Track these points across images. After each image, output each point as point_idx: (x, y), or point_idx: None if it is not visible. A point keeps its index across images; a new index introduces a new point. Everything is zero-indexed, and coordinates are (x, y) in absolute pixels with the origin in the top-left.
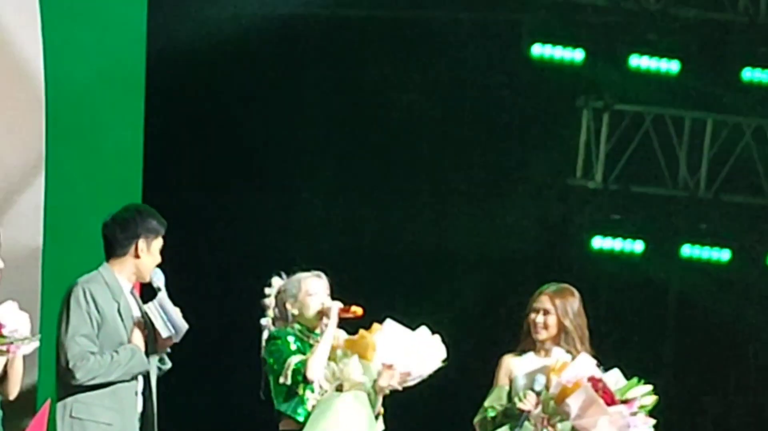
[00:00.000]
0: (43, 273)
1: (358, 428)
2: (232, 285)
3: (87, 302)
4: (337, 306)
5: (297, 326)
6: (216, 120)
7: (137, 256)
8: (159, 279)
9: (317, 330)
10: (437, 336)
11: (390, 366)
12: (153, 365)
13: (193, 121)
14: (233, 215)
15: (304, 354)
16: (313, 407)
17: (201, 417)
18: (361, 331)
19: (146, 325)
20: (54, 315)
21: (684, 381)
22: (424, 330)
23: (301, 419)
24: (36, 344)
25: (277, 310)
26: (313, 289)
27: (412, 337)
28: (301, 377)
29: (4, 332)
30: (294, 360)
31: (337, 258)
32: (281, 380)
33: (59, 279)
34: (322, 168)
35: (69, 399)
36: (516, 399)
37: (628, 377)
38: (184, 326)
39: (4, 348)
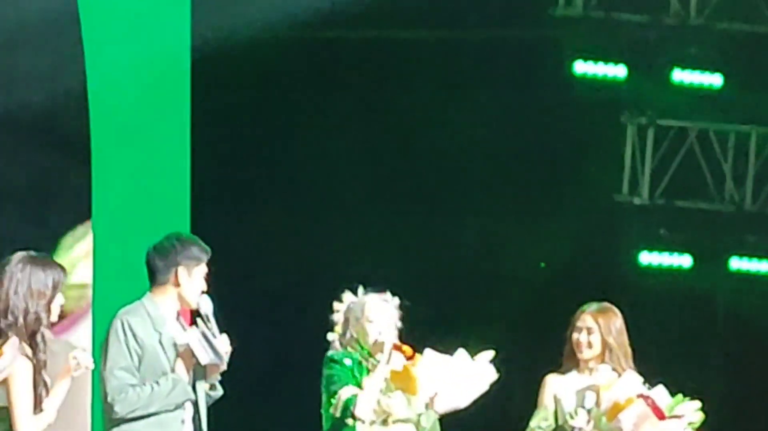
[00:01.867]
0: (94, 304)
1: None
2: (285, 308)
3: (126, 335)
4: (390, 343)
5: (359, 347)
6: (263, 138)
7: (177, 284)
8: (206, 306)
9: (379, 356)
10: (482, 356)
11: (436, 395)
12: (201, 392)
13: (241, 137)
14: (282, 236)
15: (360, 377)
16: None
17: None
18: (405, 364)
19: (192, 353)
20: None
21: (734, 395)
22: (462, 353)
23: None
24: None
25: (343, 328)
26: (373, 315)
27: (453, 364)
28: (349, 413)
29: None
30: (345, 393)
31: (385, 276)
32: (331, 410)
33: (108, 309)
34: (370, 186)
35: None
36: (567, 417)
37: (673, 394)
38: (224, 354)
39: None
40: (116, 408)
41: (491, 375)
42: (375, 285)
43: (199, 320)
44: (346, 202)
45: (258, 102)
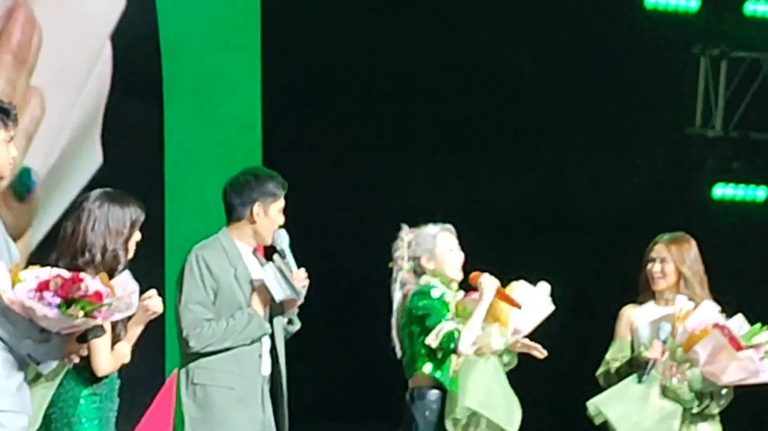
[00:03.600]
0: (165, 242)
1: (503, 394)
2: (358, 241)
3: (200, 269)
4: (493, 286)
5: (435, 280)
6: (334, 73)
7: (254, 221)
8: (283, 241)
9: (453, 285)
10: (541, 285)
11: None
12: (279, 327)
13: (312, 72)
14: (353, 174)
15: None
16: (455, 372)
17: (331, 376)
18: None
19: (267, 288)
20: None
21: None
22: (544, 286)
23: (441, 379)
24: (131, 311)
25: (409, 261)
26: (451, 244)
27: (536, 295)
28: (452, 346)
29: (105, 300)
30: (447, 326)
31: (455, 216)
32: (428, 341)
33: (181, 246)
34: (439, 128)
35: (191, 365)
36: (642, 348)
37: (751, 323)
38: (300, 289)
39: (80, 315)
40: (191, 343)
41: (547, 301)
42: (443, 221)
43: (275, 255)
44: (415, 139)
45: (328, 38)
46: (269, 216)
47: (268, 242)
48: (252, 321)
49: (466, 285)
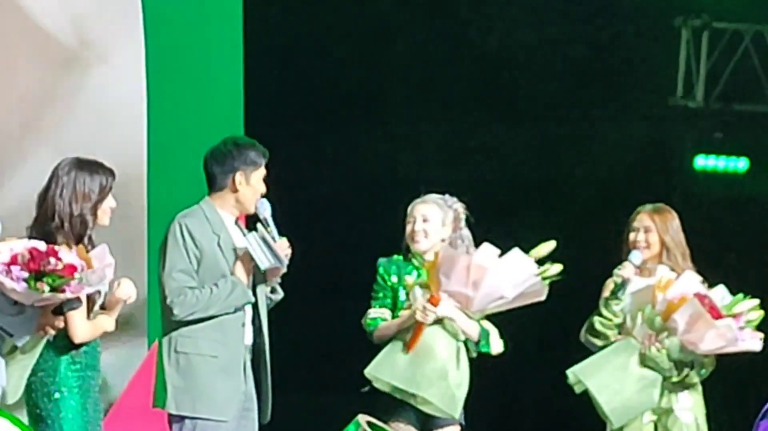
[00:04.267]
0: (148, 211)
1: (413, 362)
2: (340, 211)
3: (184, 237)
4: (421, 301)
5: (409, 252)
6: (317, 41)
7: (236, 190)
8: (265, 210)
9: (427, 256)
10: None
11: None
12: (262, 295)
13: (295, 41)
14: (335, 145)
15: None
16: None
17: (312, 346)
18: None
19: (251, 257)
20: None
21: None
22: (516, 252)
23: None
24: (103, 287)
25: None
26: (410, 215)
27: (503, 261)
28: (369, 334)
29: (77, 274)
30: (372, 313)
31: (440, 186)
32: (363, 321)
33: (163, 215)
34: (423, 98)
35: (173, 334)
36: (615, 270)
37: (733, 293)
38: (284, 257)
39: (47, 290)
40: (175, 311)
41: (532, 272)
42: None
43: (258, 224)
44: (399, 109)
45: (311, 8)
46: (251, 184)
47: (251, 211)
48: (236, 289)
49: None
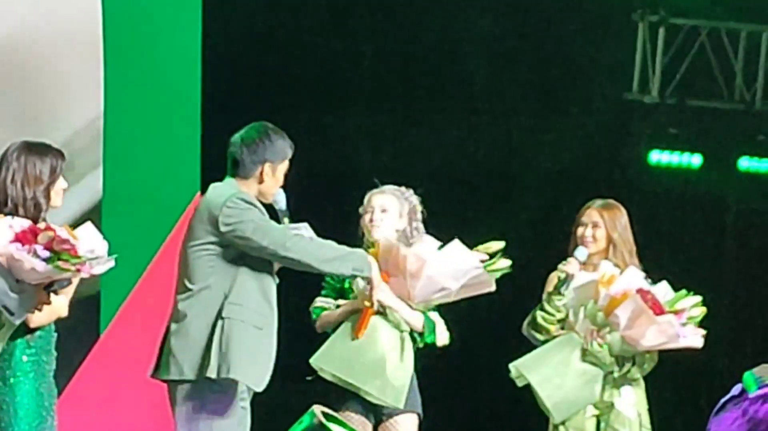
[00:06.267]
0: (104, 190)
1: (354, 351)
2: (299, 205)
3: (257, 206)
4: (364, 287)
5: (366, 241)
6: (273, 42)
7: (262, 181)
8: (282, 201)
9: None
10: (473, 253)
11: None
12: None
13: (252, 42)
14: (293, 136)
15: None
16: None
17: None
18: (372, 250)
19: None
20: (114, 233)
21: (743, 295)
22: (456, 244)
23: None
24: (111, 264)
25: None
26: (368, 205)
27: (446, 251)
28: (312, 321)
29: (80, 253)
30: (318, 302)
31: (398, 178)
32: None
33: (118, 207)
34: (381, 90)
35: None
36: (559, 265)
37: (676, 290)
38: None
39: (73, 268)
40: (288, 249)
41: (475, 262)
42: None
43: (282, 215)
44: (356, 100)
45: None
46: (276, 176)
47: (269, 200)
48: (356, 252)
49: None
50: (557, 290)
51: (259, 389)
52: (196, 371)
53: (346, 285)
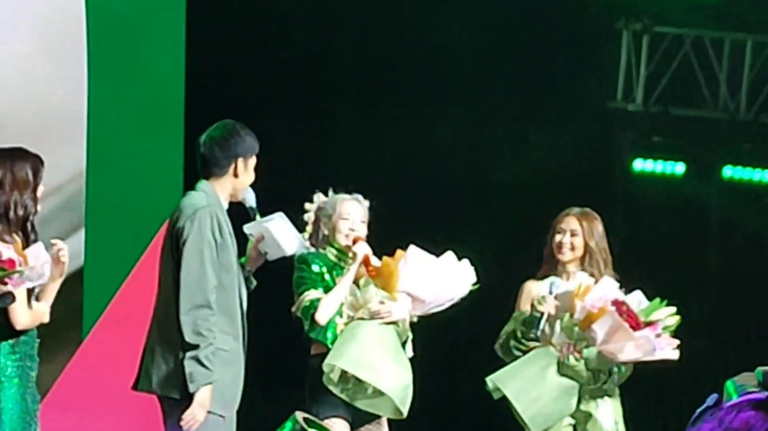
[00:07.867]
0: (87, 199)
1: (383, 356)
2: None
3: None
4: (363, 252)
5: (331, 249)
6: (255, 47)
7: (236, 176)
8: (251, 199)
9: (351, 254)
10: (465, 261)
11: (410, 296)
12: (243, 286)
13: (235, 47)
14: (272, 141)
15: (332, 279)
16: (341, 332)
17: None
18: (385, 258)
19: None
20: (96, 239)
21: (726, 303)
22: (450, 255)
23: (330, 344)
24: (44, 281)
25: (313, 228)
26: (346, 213)
27: (437, 263)
28: (311, 314)
29: (16, 267)
30: (308, 296)
31: (374, 185)
32: (293, 309)
33: (102, 207)
34: (360, 97)
35: None
36: (536, 303)
37: (659, 297)
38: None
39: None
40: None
41: (471, 278)
42: (356, 189)
43: (251, 211)
44: (335, 107)
45: (253, 2)
46: (248, 171)
47: (240, 198)
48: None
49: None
50: (530, 326)
51: (229, 414)
52: (162, 388)
53: (325, 279)
